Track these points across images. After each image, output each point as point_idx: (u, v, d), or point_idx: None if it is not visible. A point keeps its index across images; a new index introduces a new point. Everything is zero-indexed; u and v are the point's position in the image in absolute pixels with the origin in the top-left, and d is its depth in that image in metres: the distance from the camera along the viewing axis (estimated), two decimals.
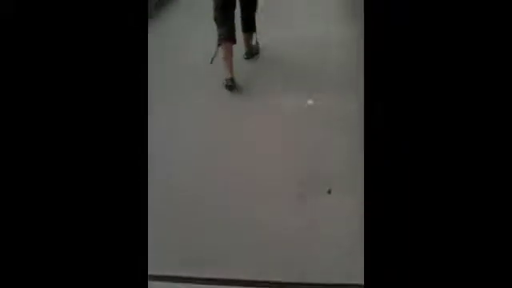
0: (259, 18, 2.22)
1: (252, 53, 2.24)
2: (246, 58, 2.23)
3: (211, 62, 1.89)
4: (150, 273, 0.82)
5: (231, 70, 1.89)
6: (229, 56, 1.88)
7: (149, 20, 2.94)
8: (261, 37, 2.31)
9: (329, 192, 1.49)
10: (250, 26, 2.02)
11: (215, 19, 1.89)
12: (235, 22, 1.95)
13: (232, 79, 1.89)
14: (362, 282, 0.75)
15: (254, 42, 2.28)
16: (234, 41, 1.89)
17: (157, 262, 1.04)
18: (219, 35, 1.89)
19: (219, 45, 1.89)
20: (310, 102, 1.87)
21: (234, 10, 1.89)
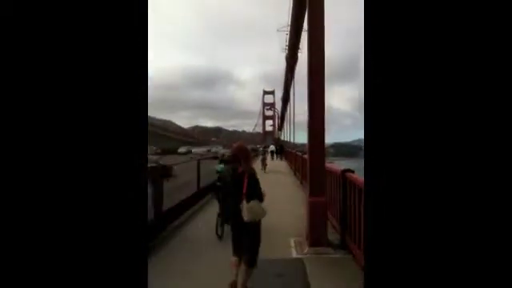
0: None
1: None
2: None
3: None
4: None
5: (235, 274, 2.36)
6: (233, 266, 2.42)
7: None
8: None
9: None
10: (250, 263, 2.39)
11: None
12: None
13: (234, 284, 2.32)
14: None
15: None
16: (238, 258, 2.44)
17: None
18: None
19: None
20: None
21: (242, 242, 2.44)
